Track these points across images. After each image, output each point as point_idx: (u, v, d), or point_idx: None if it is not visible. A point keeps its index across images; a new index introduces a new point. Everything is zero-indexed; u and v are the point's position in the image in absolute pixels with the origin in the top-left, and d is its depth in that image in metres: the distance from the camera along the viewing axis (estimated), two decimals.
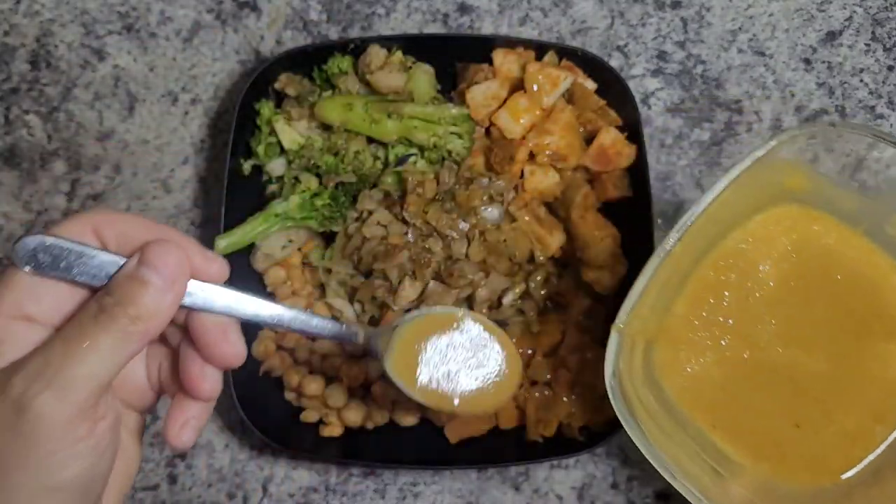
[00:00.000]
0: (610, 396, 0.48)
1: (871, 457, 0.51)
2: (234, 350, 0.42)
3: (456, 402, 0.52)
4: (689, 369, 0.53)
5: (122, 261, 0.38)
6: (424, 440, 0.68)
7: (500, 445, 0.68)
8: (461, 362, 0.52)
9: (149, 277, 0.37)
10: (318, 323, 0.46)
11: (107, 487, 0.39)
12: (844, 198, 0.53)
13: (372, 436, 0.69)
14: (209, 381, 0.41)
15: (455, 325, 0.53)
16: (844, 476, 0.52)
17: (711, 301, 0.54)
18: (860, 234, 0.54)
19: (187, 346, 0.41)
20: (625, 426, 0.48)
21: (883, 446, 0.51)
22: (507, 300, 0.67)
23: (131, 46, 0.77)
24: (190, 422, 0.42)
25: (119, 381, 0.39)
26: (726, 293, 0.53)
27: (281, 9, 0.78)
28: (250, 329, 0.69)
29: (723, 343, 0.53)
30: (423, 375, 0.51)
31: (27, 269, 0.37)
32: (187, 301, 0.40)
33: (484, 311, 0.66)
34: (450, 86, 0.73)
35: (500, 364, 0.53)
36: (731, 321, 0.53)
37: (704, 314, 0.53)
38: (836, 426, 0.52)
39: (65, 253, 0.37)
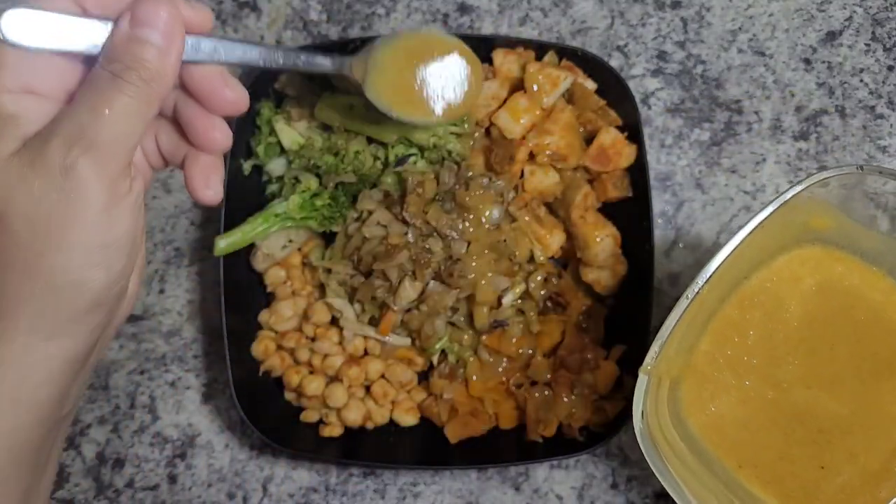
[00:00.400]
0: (638, 438, 0.49)
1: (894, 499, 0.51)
2: (236, 93, 0.42)
3: (437, 113, 0.58)
4: (713, 408, 0.53)
5: (110, 25, 0.38)
6: (424, 440, 0.69)
7: (500, 445, 0.68)
8: (434, 78, 0.57)
9: (148, 36, 0.37)
10: (304, 57, 0.49)
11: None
12: (869, 238, 0.53)
13: (372, 436, 0.69)
14: (219, 130, 0.42)
15: (426, 47, 0.57)
16: None
17: (736, 340, 0.54)
18: (884, 275, 0.54)
19: (188, 101, 0.42)
20: (653, 469, 0.48)
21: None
22: (507, 300, 0.67)
23: None
24: (211, 174, 0.43)
25: None
26: (750, 332, 0.54)
27: (281, 9, 0.78)
28: (250, 329, 0.69)
29: (746, 383, 0.53)
30: (403, 95, 0.56)
31: (18, 44, 0.37)
32: (187, 55, 0.40)
33: (484, 311, 0.67)
34: None
35: (464, 72, 0.59)
36: (754, 360, 0.54)
37: (729, 352, 0.54)
38: (861, 467, 0.52)
39: (52, 24, 0.37)
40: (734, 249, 0.49)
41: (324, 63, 0.52)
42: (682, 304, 0.49)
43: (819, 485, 0.52)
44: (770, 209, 0.49)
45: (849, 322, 0.54)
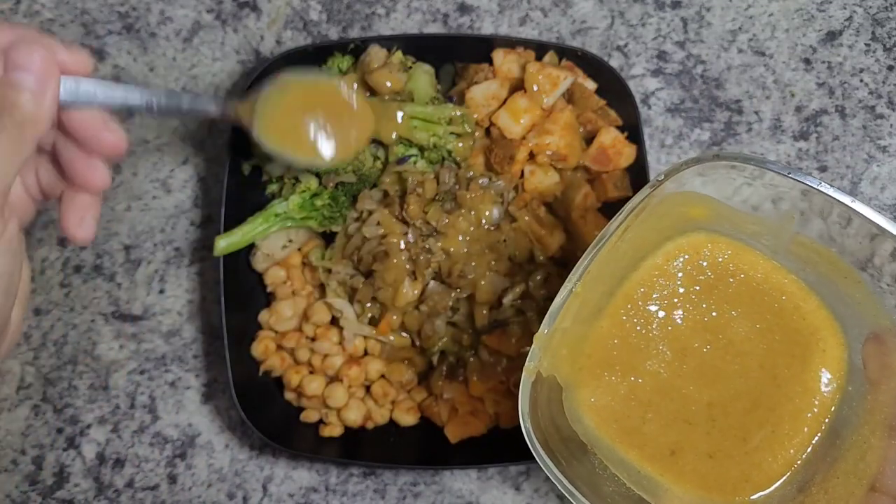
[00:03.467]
0: (526, 437, 0.47)
1: (788, 473, 0.52)
2: (116, 137, 0.43)
3: (327, 155, 0.59)
4: (608, 404, 0.53)
5: None
6: (424, 440, 0.69)
7: (500, 445, 0.68)
8: (324, 118, 0.58)
9: (22, 80, 0.38)
10: (188, 100, 0.49)
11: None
12: (747, 221, 0.53)
13: (372, 436, 0.69)
14: (98, 172, 0.43)
15: (314, 91, 0.59)
16: (767, 492, 0.51)
17: (625, 336, 0.53)
18: (766, 256, 0.54)
19: (67, 142, 0.42)
20: (542, 466, 0.47)
21: (799, 462, 0.52)
22: (507, 300, 0.67)
23: (131, 46, 0.77)
24: (87, 214, 0.43)
25: None
26: (638, 328, 0.53)
27: (281, 9, 0.78)
28: (250, 329, 0.69)
29: (636, 379, 0.53)
30: (291, 138, 0.57)
31: None
32: (63, 97, 0.40)
33: (484, 312, 0.67)
34: (450, 86, 0.73)
35: (355, 110, 0.60)
36: (645, 354, 0.53)
37: (617, 352, 0.53)
38: (752, 448, 0.52)
39: None
40: (602, 247, 0.47)
41: (208, 107, 0.52)
42: (558, 301, 0.48)
43: (711, 469, 0.52)
44: (633, 203, 0.48)
45: (737, 304, 0.53)
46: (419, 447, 0.68)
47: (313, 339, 0.69)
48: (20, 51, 0.38)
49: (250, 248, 0.69)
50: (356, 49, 0.71)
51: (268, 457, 0.72)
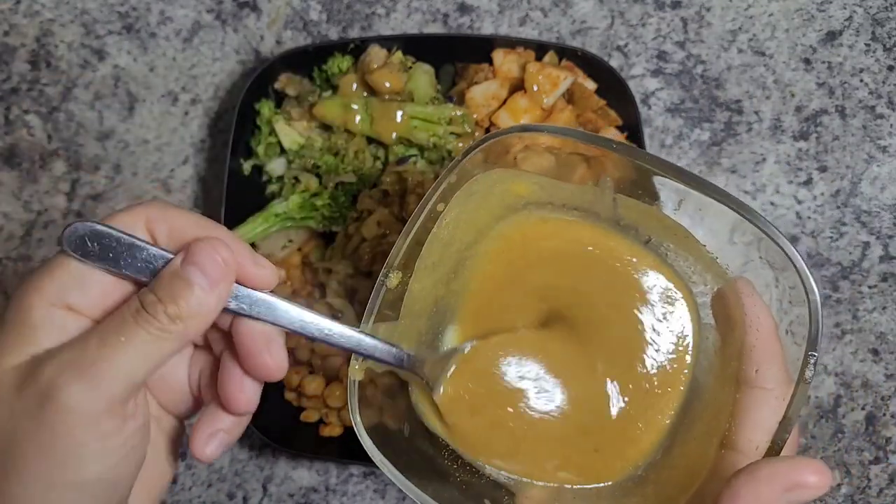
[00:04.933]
0: (361, 439, 0.45)
1: (656, 441, 0.50)
2: (275, 363, 0.39)
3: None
4: (463, 403, 0.48)
5: (170, 257, 0.37)
6: None
7: None
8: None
9: (192, 276, 0.36)
10: (369, 344, 0.42)
11: (135, 493, 0.38)
12: (573, 193, 0.50)
13: None
14: (246, 394, 0.39)
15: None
16: (623, 475, 0.50)
17: (479, 323, 0.50)
18: (601, 226, 0.51)
19: (228, 354, 0.40)
20: (382, 467, 0.45)
21: (665, 427, 0.49)
22: None
23: (131, 46, 0.77)
24: (218, 434, 0.40)
25: (159, 381, 0.40)
26: (488, 314, 0.50)
27: (281, 9, 0.78)
28: None
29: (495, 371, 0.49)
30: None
31: (74, 255, 0.36)
32: (232, 305, 0.38)
33: None
34: (450, 86, 0.73)
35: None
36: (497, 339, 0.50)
37: (471, 343, 0.49)
38: (620, 420, 0.50)
39: (114, 243, 0.36)
40: (408, 239, 0.45)
41: (386, 356, 0.43)
42: (372, 296, 0.46)
43: (567, 459, 0.50)
44: (427, 196, 0.46)
45: (582, 279, 0.51)
46: None
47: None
48: (202, 248, 0.36)
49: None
50: (356, 49, 0.71)
51: (268, 457, 0.72)
